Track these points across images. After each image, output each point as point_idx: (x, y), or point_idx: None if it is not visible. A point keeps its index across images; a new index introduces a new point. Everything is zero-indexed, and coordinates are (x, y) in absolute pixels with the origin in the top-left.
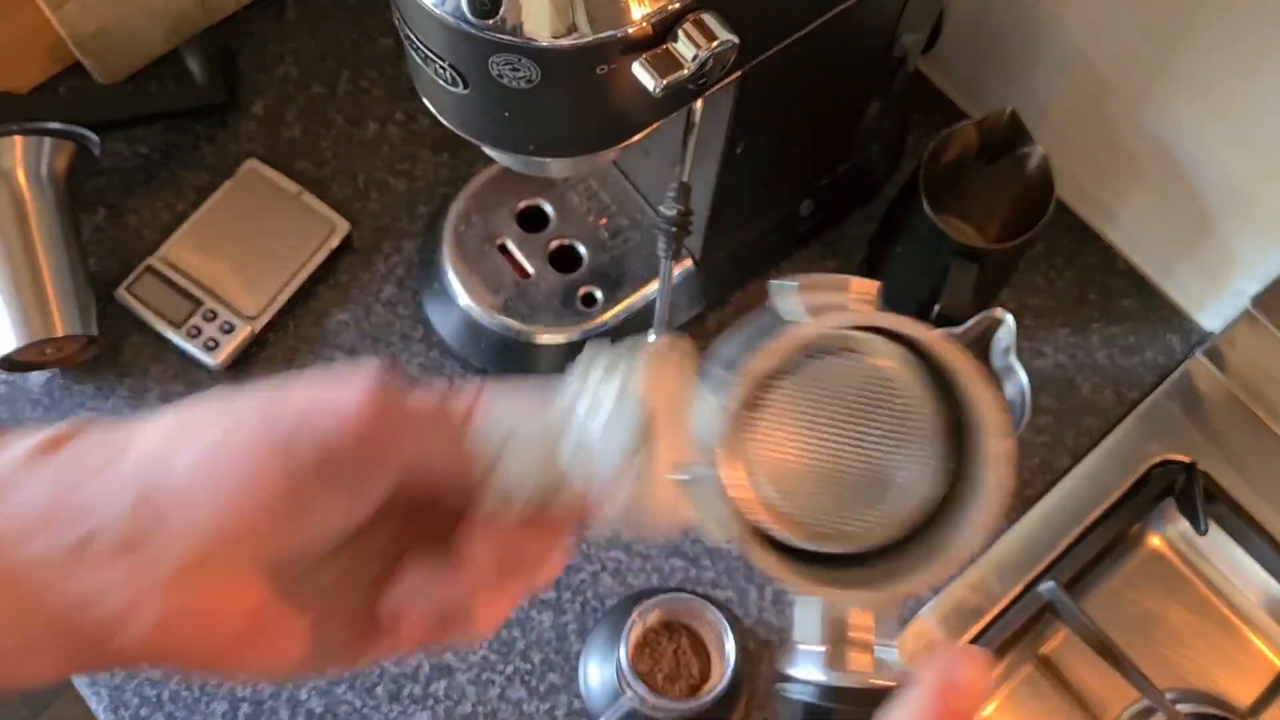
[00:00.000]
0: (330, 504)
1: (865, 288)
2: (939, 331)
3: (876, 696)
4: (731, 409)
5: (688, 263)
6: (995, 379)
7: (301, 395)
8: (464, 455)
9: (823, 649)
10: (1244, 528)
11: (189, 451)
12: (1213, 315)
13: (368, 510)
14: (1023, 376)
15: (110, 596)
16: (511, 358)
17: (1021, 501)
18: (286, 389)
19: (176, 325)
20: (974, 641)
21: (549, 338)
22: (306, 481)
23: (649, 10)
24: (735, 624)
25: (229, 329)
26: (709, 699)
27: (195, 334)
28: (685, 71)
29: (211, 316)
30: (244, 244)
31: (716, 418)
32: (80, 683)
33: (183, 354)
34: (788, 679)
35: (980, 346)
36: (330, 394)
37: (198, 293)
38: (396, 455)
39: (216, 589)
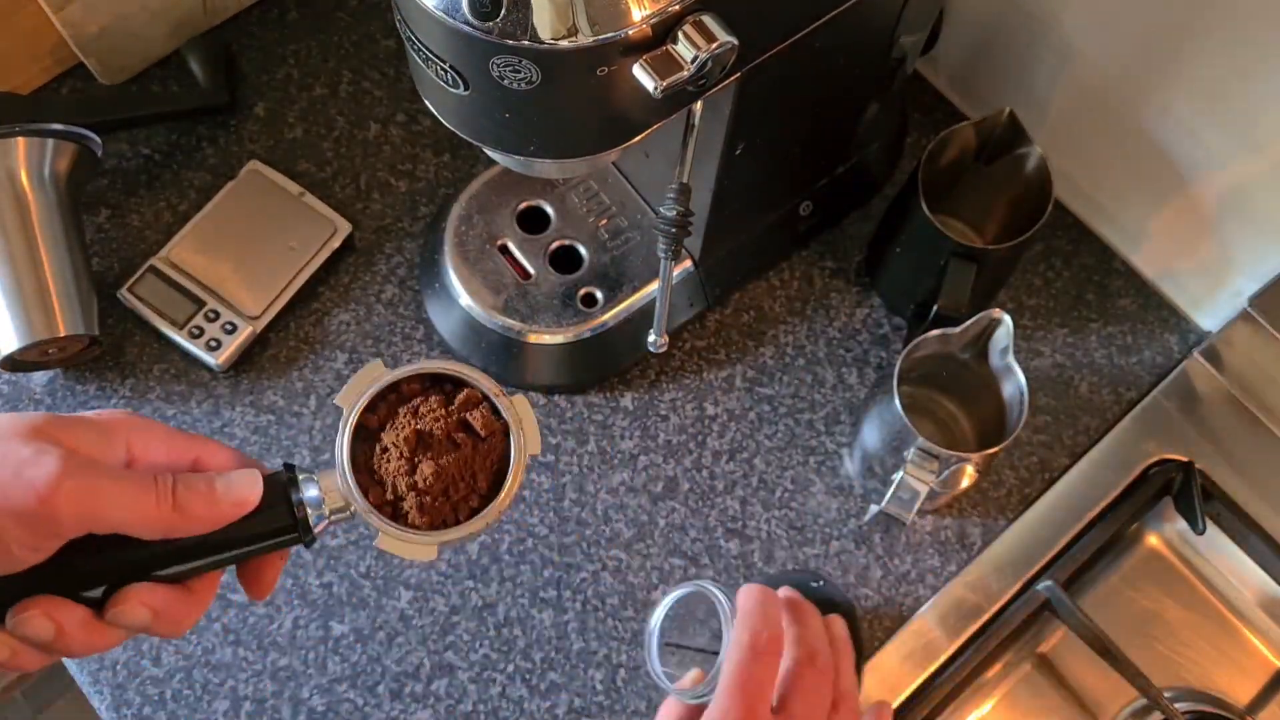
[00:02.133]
0: (15, 553)
1: None
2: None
3: None
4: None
5: (687, 263)
6: (994, 378)
7: (1, 475)
8: (158, 519)
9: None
10: (1241, 527)
11: None
12: (1210, 315)
13: (44, 557)
14: (1020, 376)
15: None
16: (512, 357)
17: (1020, 501)
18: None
19: (179, 325)
20: (972, 640)
21: (549, 338)
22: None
23: (649, 12)
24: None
25: (231, 329)
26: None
27: (197, 334)
28: (685, 73)
29: (214, 317)
30: (246, 244)
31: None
32: (82, 680)
33: (185, 354)
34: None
35: (978, 346)
36: (26, 478)
37: (200, 293)
38: (70, 527)
39: None
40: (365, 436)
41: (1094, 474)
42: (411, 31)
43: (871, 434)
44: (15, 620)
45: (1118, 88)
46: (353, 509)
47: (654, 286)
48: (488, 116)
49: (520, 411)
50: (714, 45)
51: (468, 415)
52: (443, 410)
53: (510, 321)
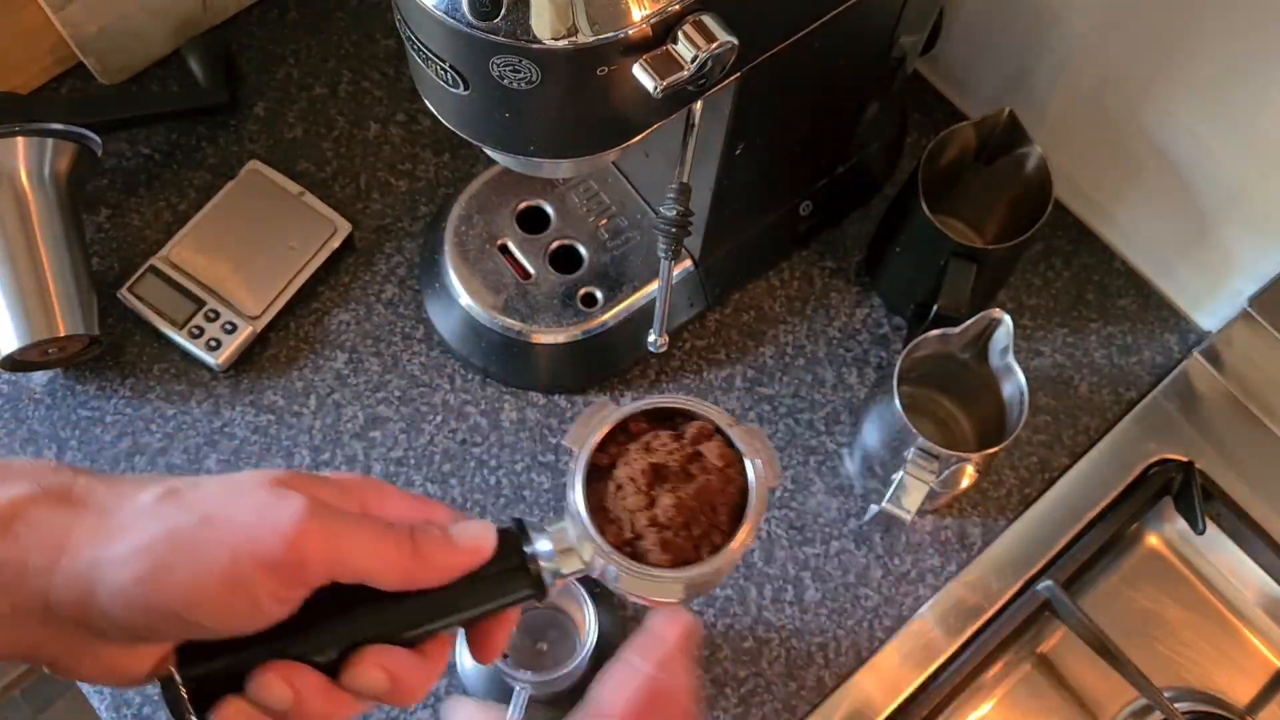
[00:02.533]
0: (262, 606)
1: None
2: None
3: None
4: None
5: (687, 263)
6: (994, 378)
7: (246, 520)
8: (398, 564)
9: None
10: (1241, 527)
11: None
12: (1210, 315)
13: (290, 609)
14: (1020, 376)
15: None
16: (512, 358)
17: (1020, 501)
18: (229, 509)
19: (179, 325)
20: (972, 640)
21: (549, 338)
22: (244, 586)
23: (649, 12)
24: None
25: (231, 329)
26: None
27: (197, 334)
28: (685, 73)
29: (214, 316)
30: (246, 244)
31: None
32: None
33: (185, 354)
34: None
35: (978, 346)
36: (270, 521)
37: (200, 293)
38: (317, 572)
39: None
40: (596, 476)
41: (1094, 474)
42: (411, 31)
43: (871, 434)
44: (255, 685)
45: (1118, 88)
46: (587, 560)
47: (654, 286)
48: (488, 116)
49: (757, 443)
50: (714, 45)
51: (701, 448)
52: (675, 444)
53: (510, 321)
